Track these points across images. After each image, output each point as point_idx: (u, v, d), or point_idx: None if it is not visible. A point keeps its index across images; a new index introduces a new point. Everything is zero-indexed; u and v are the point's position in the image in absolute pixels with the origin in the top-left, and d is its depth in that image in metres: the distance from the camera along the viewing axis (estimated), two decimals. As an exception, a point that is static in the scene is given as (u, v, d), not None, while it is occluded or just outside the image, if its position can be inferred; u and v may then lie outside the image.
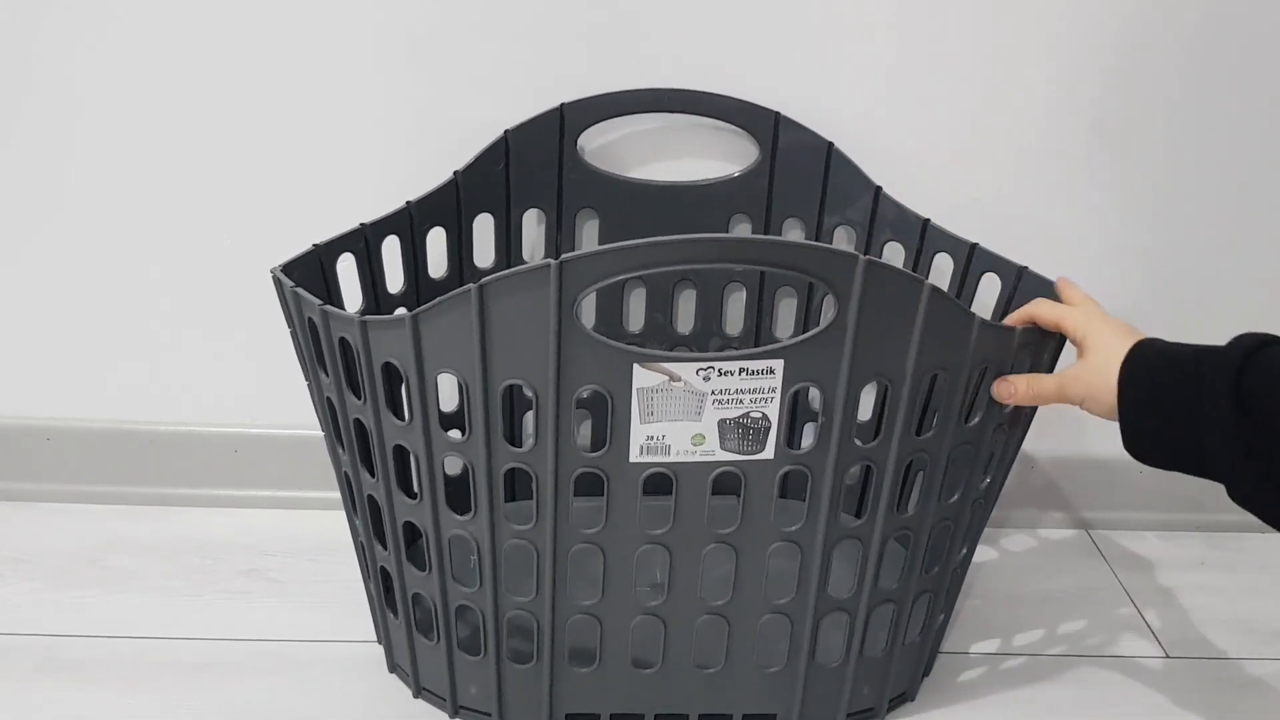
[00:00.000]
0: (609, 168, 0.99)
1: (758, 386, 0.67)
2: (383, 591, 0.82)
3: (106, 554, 0.99)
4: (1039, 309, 0.72)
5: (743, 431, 0.69)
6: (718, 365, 0.67)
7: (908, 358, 0.68)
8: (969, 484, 0.76)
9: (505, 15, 0.94)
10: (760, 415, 0.68)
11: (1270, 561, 1.07)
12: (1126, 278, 1.05)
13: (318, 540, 1.01)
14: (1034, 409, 0.77)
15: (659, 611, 0.76)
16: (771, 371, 0.67)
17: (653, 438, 0.69)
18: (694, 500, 0.71)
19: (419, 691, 0.83)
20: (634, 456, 0.69)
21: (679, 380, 0.67)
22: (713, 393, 0.67)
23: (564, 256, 0.62)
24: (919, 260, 0.93)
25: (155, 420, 1.06)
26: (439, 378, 0.68)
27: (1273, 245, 1.05)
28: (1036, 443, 1.09)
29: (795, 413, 1.04)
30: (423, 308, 0.66)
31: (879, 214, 0.96)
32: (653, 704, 0.81)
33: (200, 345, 1.04)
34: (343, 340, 0.69)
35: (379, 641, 0.86)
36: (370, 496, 0.76)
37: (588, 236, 1.01)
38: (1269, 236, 1.04)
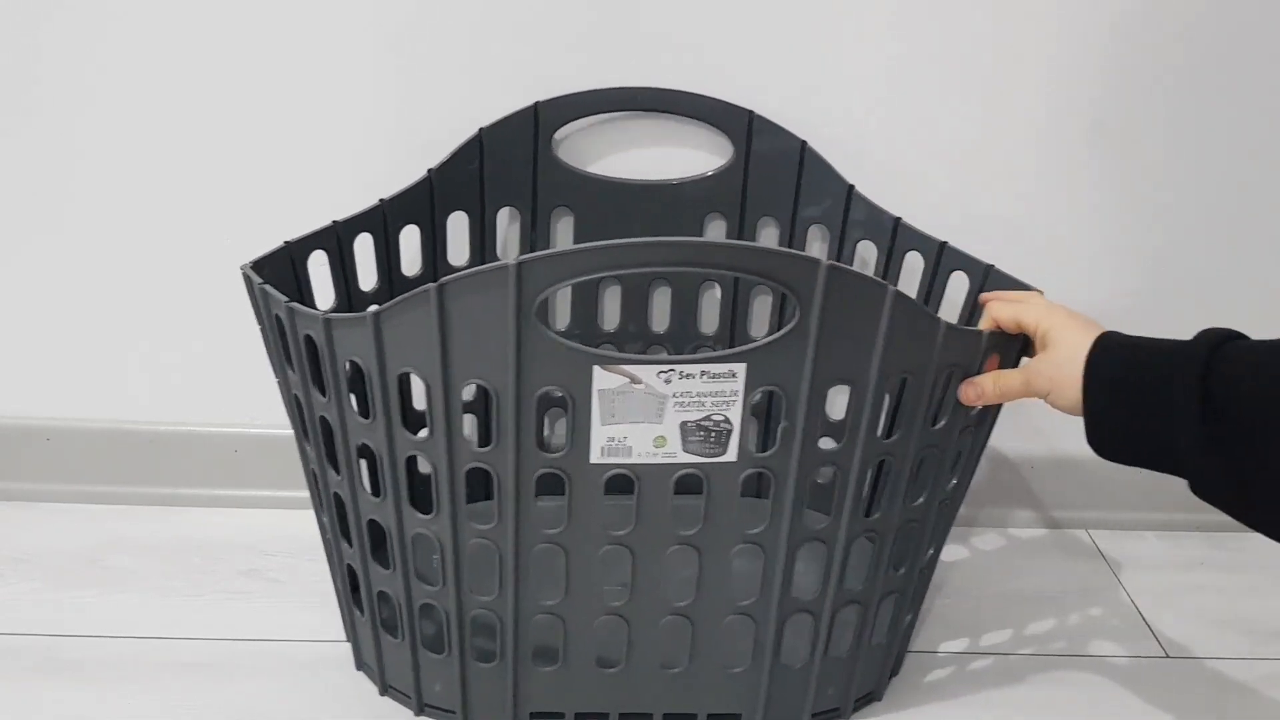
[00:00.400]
0: (584, 166, 0.99)
1: (720, 390, 0.67)
2: (349, 589, 0.82)
3: (106, 554, 0.99)
4: (996, 312, 0.72)
5: (705, 434, 0.69)
6: (679, 368, 0.67)
7: (871, 362, 0.67)
8: (935, 486, 0.76)
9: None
10: (722, 418, 0.68)
11: (1270, 561, 1.06)
12: (1126, 278, 1.04)
13: (317, 540, 0.99)
14: (999, 410, 0.77)
15: (622, 612, 0.76)
16: (733, 375, 0.67)
17: (614, 439, 0.69)
18: (656, 501, 0.71)
19: (385, 689, 0.84)
20: (595, 458, 0.69)
21: (640, 382, 0.67)
22: (674, 395, 0.67)
23: (522, 258, 0.62)
24: (890, 259, 0.93)
25: (155, 420, 1.06)
26: (412, 377, 0.68)
27: (1273, 245, 1.05)
28: (1036, 443, 1.09)
29: (770, 412, 1.04)
30: (383, 306, 0.66)
31: (851, 213, 0.96)
32: (617, 703, 0.80)
33: (200, 345, 1.04)
34: (308, 338, 0.70)
35: (347, 639, 0.86)
36: (336, 494, 0.77)
37: (562, 235, 1.01)
38: (1269, 236, 1.04)
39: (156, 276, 1.02)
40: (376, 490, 0.74)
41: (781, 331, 0.66)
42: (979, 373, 0.72)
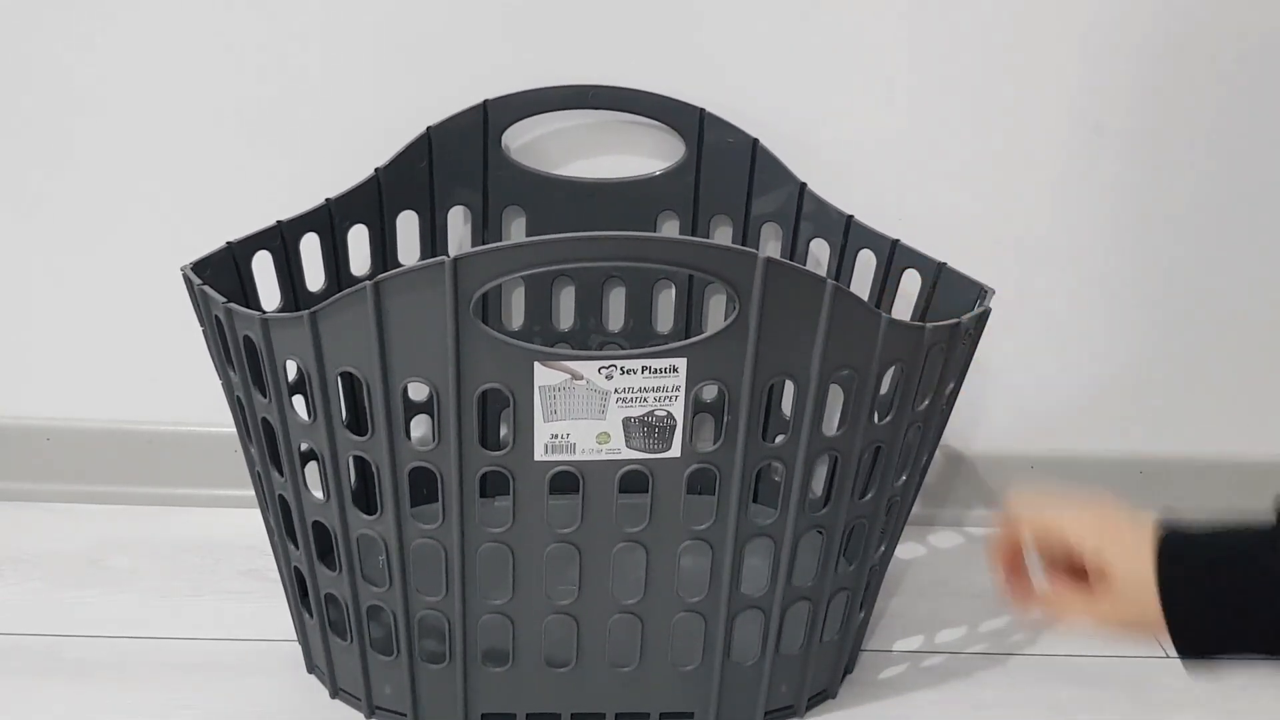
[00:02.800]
0: (536, 165, 0.98)
1: (661, 385, 0.67)
2: (298, 592, 0.82)
3: (106, 554, 0.99)
4: (1042, 537, 0.63)
5: (648, 430, 0.68)
6: (620, 363, 0.66)
7: (813, 356, 0.67)
8: (884, 482, 0.76)
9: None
10: (666, 414, 0.68)
11: (1270, 561, 1.06)
12: (1124, 282, 1.04)
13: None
14: (949, 408, 0.77)
15: (571, 610, 0.76)
16: (675, 370, 0.67)
17: (557, 436, 0.68)
18: (601, 499, 0.71)
19: (335, 692, 0.83)
20: (539, 455, 0.69)
21: (581, 378, 0.66)
22: (616, 391, 0.67)
23: (458, 254, 0.62)
24: (843, 256, 0.93)
25: (155, 420, 1.06)
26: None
27: (1274, 246, 1.05)
28: (1036, 443, 1.09)
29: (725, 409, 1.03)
30: (319, 305, 0.65)
31: (803, 211, 0.96)
32: (568, 703, 0.80)
33: (199, 345, 1.03)
34: (247, 339, 0.69)
35: (298, 640, 0.86)
36: (280, 496, 0.76)
37: (515, 234, 1.00)
38: (1270, 237, 1.04)
39: (157, 276, 1.01)
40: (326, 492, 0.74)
41: (722, 326, 0.66)
42: (924, 369, 0.70)
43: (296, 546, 0.78)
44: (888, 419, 0.72)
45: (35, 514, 1.04)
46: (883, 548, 0.81)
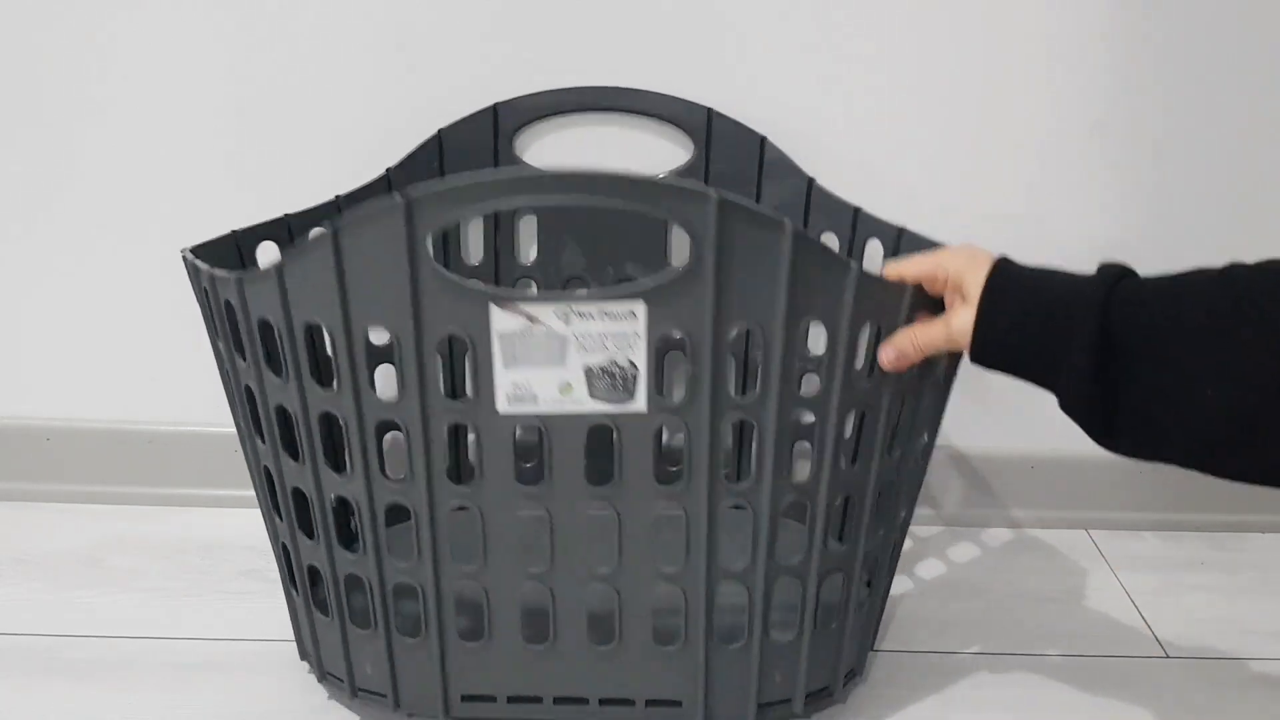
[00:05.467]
0: (546, 166, 0.99)
1: (620, 331, 0.65)
2: (289, 571, 0.81)
3: (106, 554, 0.99)
4: (912, 269, 0.68)
5: (611, 379, 0.67)
6: (576, 306, 0.65)
7: (776, 304, 0.65)
8: (872, 453, 0.72)
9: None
10: (628, 362, 0.66)
11: (1270, 561, 1.06)
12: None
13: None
14: (950, 377, 0.73)
15: (545, 579, 0.74)
16: (633, 315, 0.65)
17: (519, 385, 0.67)
18: (568, 456, 0.69)
19: (323, 676, 0.82)
20: (501, 406, 0.67)
21: (538, 322, 0.65)
22: (575, 336, 0.65)
23: (413, 191, 0.61)
24: (853, 247, 0.91)
25: (155, 420, 1.06)
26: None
27: (1274, 245, 1.04)
28: (1036, 442, 1.08)
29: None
30: (285, 254, 0.65)
31: (812, 205, 0.95)
32: (549, 686, 0.78)
33: (199, 345, 1.03)
34: (228, 303, 0.70)
35: (291, 626, 0.85)
36: (265, 467, 0.76)
37: (526, 236, 1.01)
38: (1270, 236, 1.04)
39: (157, 276, 1.02)
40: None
41: (679, 268, 0.64)
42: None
43: (281, 518, 0.77)
44: (867, 382, 0.69)
45: (35, 514, 1.05)
46: (881, 530, 0.77)
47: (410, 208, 0.62)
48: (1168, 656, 0.91)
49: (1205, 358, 0.58)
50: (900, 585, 0.99)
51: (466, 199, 0.62)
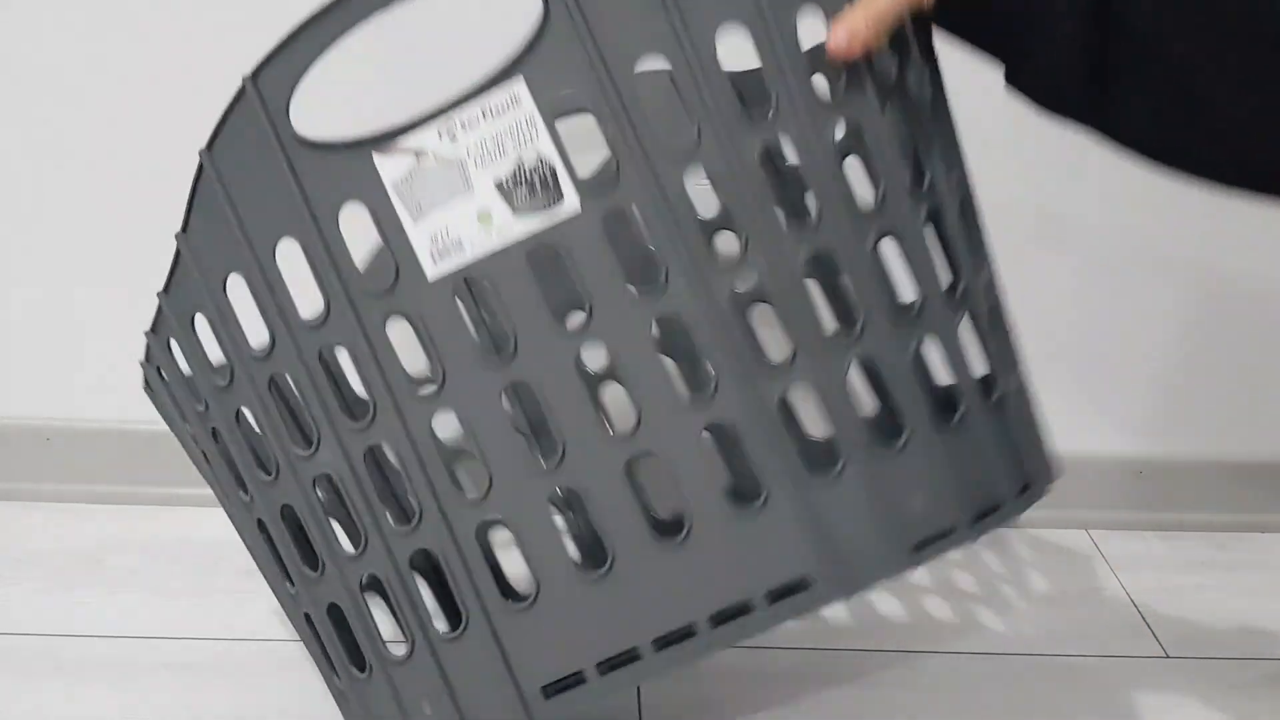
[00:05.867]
0: None
1: (513, 123, 0.57)
2: (322, 652, 0.74)
3: (106, 554, 0.99)
4: None
5: (529, 186, 0.58)
6: (454, 115, 0.57)
7: (670, 12, 0.55)
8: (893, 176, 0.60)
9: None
10: (536, 159, 0.57)
11: (1270, 562, 1.06)
12: (1127, 280, 1.04)
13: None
14: (926, 51, 0.63)
15: (568, 479, 0.61)
16: (517, 100, 0.56)
17: (436, 237, 0.59)
18: (524, 303, 0.59)
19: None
20: (429, 269, 0.59)
21: (425, 154, 0.58)
22: (469, 153, 0.58)
23: (254, 70, 0.57)
24: None
25: (155, 420, 1.05)
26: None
27: (1275, 246, 1.04)
28: (1035, 443, 1.09)
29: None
30: (185, 221, 0.63)
31: None
32: (638, 629, 0.61)
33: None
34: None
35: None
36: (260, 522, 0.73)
37: None
38: (1271, 237, 1.04)
39: (157, 276, 1.01)
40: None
41: (536, 24, 0.56)
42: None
43: (291, 582, 0.72)
44: (835, 99, 0.58)
45: (35, 514, 1.05)
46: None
47: (257, 83, 0.57)
48: (1168, 656, 0.91)
49: None
50: (899, 586, 0.99)
51: (306, 47, 0.57)
